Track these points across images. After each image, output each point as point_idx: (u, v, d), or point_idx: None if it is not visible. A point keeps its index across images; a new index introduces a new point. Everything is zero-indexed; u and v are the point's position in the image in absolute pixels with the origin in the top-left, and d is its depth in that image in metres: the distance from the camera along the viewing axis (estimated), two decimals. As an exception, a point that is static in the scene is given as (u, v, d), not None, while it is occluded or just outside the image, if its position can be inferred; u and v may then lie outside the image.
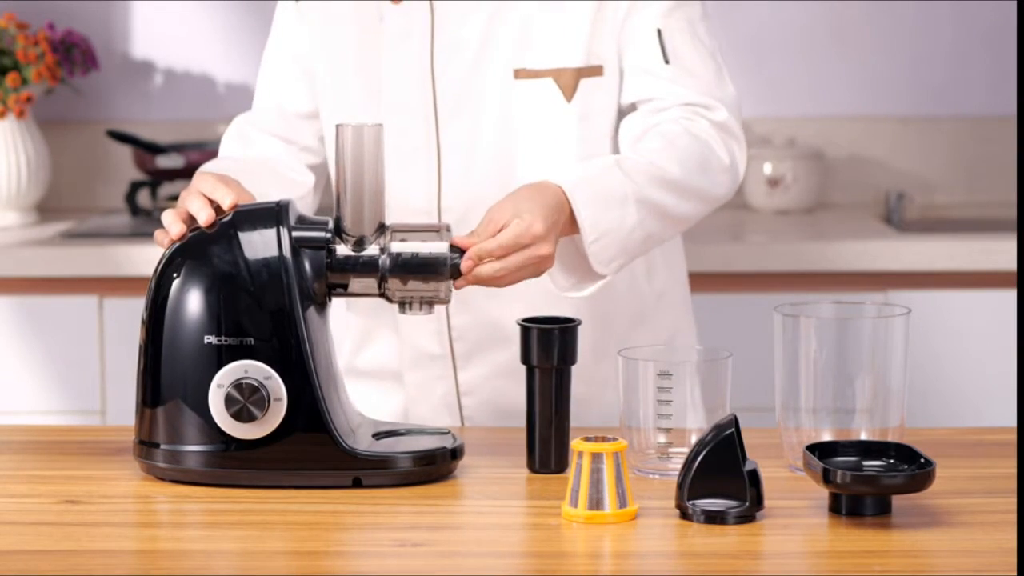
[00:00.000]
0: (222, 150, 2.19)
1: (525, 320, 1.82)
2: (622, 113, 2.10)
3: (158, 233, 1.83)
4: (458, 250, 1.80)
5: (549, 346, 1.80)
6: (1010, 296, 3.20)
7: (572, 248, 1.95)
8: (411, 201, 2.09)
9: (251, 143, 2.18)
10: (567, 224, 1.90)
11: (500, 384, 2.12)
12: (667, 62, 2.06)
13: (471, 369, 2.13)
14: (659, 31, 2.06)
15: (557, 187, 1.91)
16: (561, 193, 1.90)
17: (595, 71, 2.07)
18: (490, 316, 2.09)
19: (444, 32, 2.06)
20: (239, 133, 2.20)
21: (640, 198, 1.96)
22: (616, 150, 2.09)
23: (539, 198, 1.87)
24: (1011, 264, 3.18)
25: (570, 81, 2.06)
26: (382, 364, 2.18)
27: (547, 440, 1.81)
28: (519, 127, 2.07)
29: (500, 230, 1.82)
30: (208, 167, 2.02)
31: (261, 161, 2.15)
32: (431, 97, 2.07)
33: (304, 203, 2.14)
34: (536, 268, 1.85)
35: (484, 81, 2.06)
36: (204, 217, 1.79)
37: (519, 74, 2.06)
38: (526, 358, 1.81)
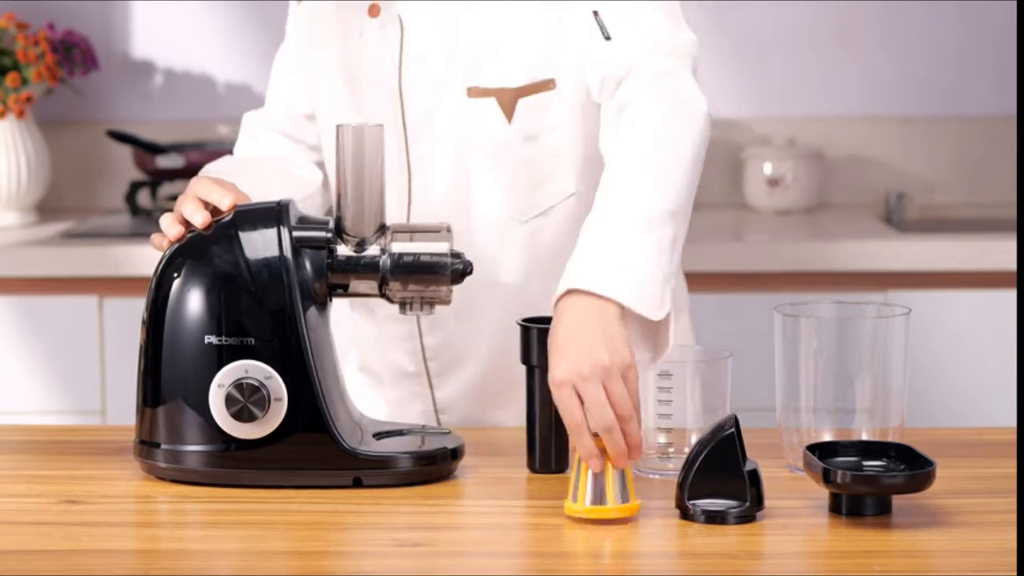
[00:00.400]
0: (236, 147, 2.20)
1: (525, 320, 1.82)
2: (600, 118, 2.00)
3: (155, 237, 1.83)
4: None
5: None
6: (1010, 296, 3.20)
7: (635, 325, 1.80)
8: (387, 218, 2.07)
9: (259, 141, 2.18)
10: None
11: (477, 402, 2.10)
12: (608, 39, 1.96)
13: (446, 387, 2.11)
14: (595, 12, 1.97)
15: (602, 299, 1.75)
16: (606, 303, 1.75)
17: (542, 86, 2.00)
18: (462, 336, 2.07)
19: (410, 48, 2.03)
20: (249, 131, 2.20)
21: (660, 239, 1.80)
22: (575, 167, 2.02)
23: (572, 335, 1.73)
24: (1011, 264, 3.18)
25: (510, 101, 2.00)
26: (369, 378, 2.18)
27: (547, 440, 1.81)
28: (472, 148, 2.02)
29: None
30: (209, 168, 2.02)
31: (267, 160, 2.14)
32: (400, 114, 2.05)
33: (313, 201, 2.13)
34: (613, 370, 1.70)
35: (443, 99, 2.02)
36: (199, 220, 1.79)
37: (471, 92, 2.01)
38: (526, 358, 1.81)
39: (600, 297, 1.72)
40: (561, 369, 1.67)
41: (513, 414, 2.06)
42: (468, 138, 2.02)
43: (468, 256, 1.84)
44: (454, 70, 2.01)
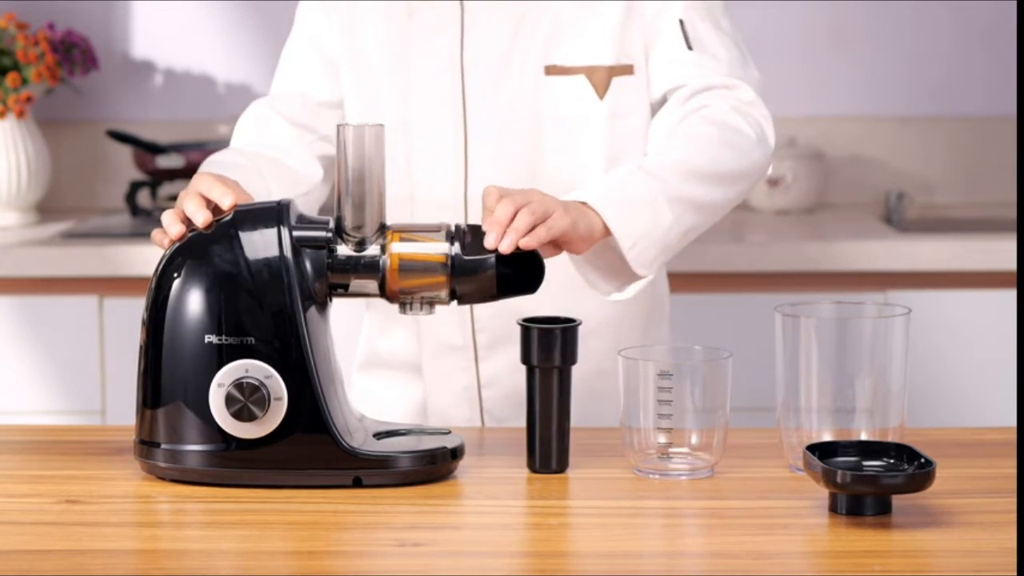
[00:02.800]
0: (236, 133, 2.18)
1: (525, 320, 1.82)
2: (654, 112, 2.11)
3: (156, 233, 1.83)
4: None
5: (550, 346, 1.80)
6: (1010, 296, 3.20)
7: (611, 252, 1.94)
8: (438, 192, 2.10)
9: (267, 129, 2.17)
10: (601, 233, 1.90)
11: (522, 376, 2.11)
12: (690, 48, 2.08)
13: (493, 360, 2.13)
14: (681, 21, 2.09)
15: (581, 203, 1.90)
16: (588, 208, 1.90)
17: (626, 70, 2.09)
18: (513, 307, 2.08)
19: (475, 26, 2.08)
20: (256, 116, 2.18)
21: (670, 196, 1.95)
22: (641, 150, 2.11)
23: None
24: (1011, 264, 3.18)
25: (603, 79, 2.08)
26: (400, 356, 2.18)
27: (548, 440, 1.81)
28: (548, 122, 2.09)
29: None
30: (210, 163, 2.02)
31: (266, 155, 2.15)
32: (460, 90, 2.09)
33: (309, 199, 2.14)
34: (544, 215, 1.82)
35: (513, 76, 2.08)
36: (201, 219, 1.79)
37: (550, 70, 2.08)
38: (526, 358, 1.81)
39: (598, 214, 1.89)
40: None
41: None
42: (542, 114, 2.08)
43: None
44: (526, 47, 2.07)
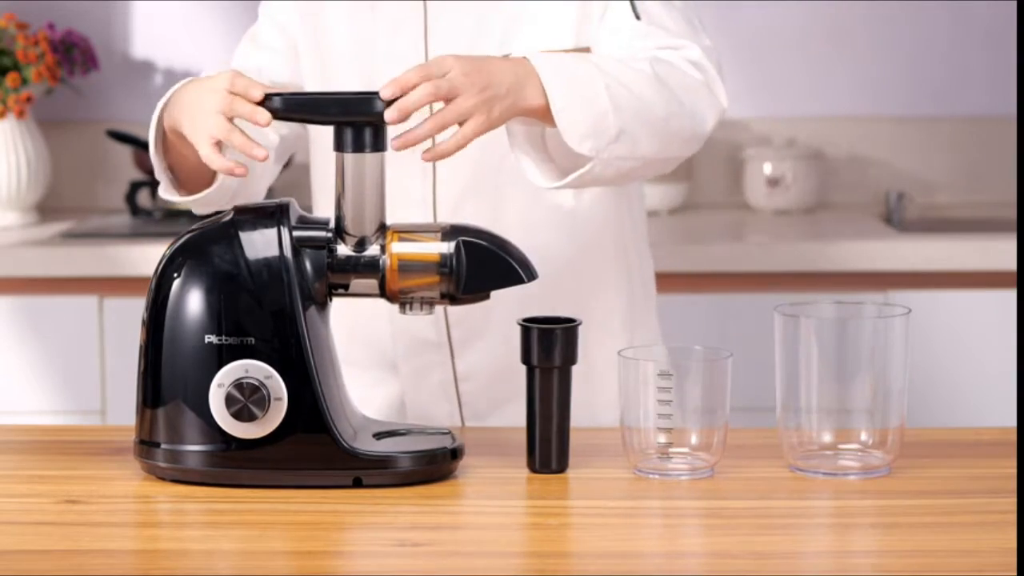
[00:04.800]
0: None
1: (526, 320, 1.82)
2: None
3: (216, 159, 1.80)
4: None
5: (550, 346, 1.80)
6: (1010, 296, 3.20)
7: (543, 136, 1.93)
8: (409, 192, 2.08)
9: None
10: (529, 105, 1.87)
11: (499, 369, 2.11)
12: (638, 18, 2.03)
13: (469, 355, 2.13)
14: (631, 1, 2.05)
15: (520, 57, 1.88)
16: (524, 60, 1.88)
17: (584, 51, 2.05)
18: (487, 302, 2.08)
19: (438, 21, 2.06)
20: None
21: (610, 83, 1.91)
22: None
23: (487, 58, 1.86)
24: (1011, 264, 3.18)
25: None
26: (375, 353, 2.17)
27: (548, 440, 1.81)
28: None
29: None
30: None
31: None
32: None
33: (264, 166, 2.10)
34: (449, 93, 1.80)
35: None
36: (260, 153, 1.78)
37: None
38: (527, 358, 1.81)
39: (534, 71, 1.86)
40: (460, 61, 1.80)
41: None
42: None
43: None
44: (487, 39, 2.05)
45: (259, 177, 2.10)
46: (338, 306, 2.19)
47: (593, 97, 1.90)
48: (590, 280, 2.14)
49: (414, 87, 1.78)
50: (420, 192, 2.09)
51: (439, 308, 2.10)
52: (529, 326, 1.81)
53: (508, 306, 2.03)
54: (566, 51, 2.01)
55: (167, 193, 2.03)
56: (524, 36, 2.05)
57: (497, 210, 2.08)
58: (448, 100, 1.81)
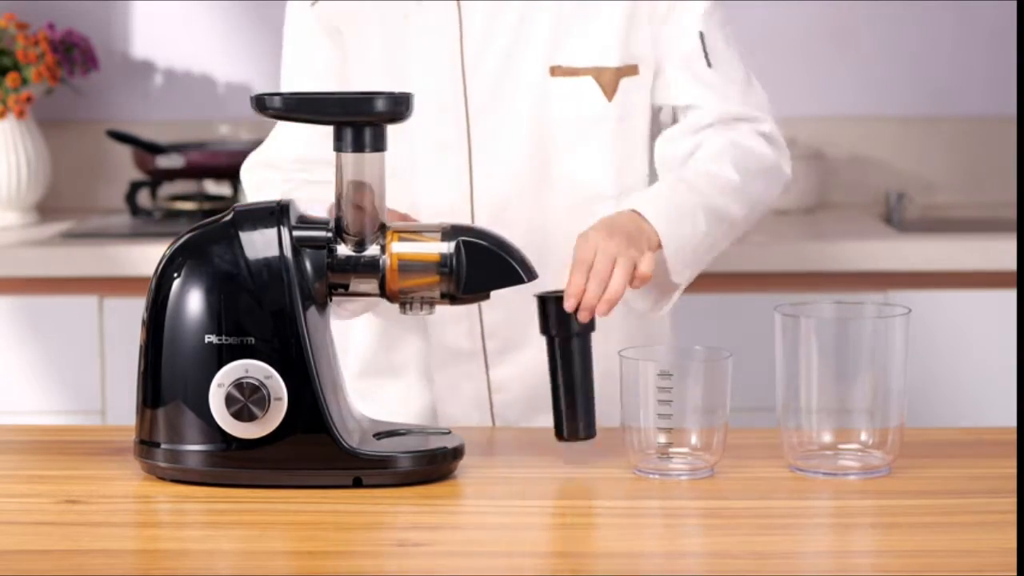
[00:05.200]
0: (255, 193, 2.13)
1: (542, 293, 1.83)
2: (654, 113, 2.11)
3: None
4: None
5: (567, 314, 1.80)
6: (1010, 296, 3.20)
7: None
8: (442, 196, 2.08)
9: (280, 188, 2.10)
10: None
11: (533, 380, 2.10)
12: (710, 65, 2.09)
13: (503, 366, 2.12)
14: (701, 33, 2.09)
15: (631, 211, 1.96)
16: (635, 214, 1.95)
17: (632, 71, 2.08)
18: (523, 312, 2.08)
19: (473, 26, 2.06)
20: (261, 183, 2.13)
21: (707, 207, 2.02)
22: (650, 151, 2.12)
23: (607, 220, 1.92)
24: (1011, 264, 3.18)
25: (611, 80, 2.07)
26: (408, 363, 2.17)
27: (573, 407, 1.81)
28: (555, 125, 2.08)
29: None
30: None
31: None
32: (462, 92, 2.07)
33: None
34: (626, 258, 1.86)
35: (517, 77, 2.07)
36: None
37: (555, 71, 2.07)
38: (545, 328, 1.82)
39: (644, 219, 1.95)
40: (593, 232, 1.88)
41: None
42: (548, 115, 2.07)
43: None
44: (527, 48, 2.06)
45: None
46: (369, 317, 2.19)
47: (692, 231, 2.00)
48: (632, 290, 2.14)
49: (584, 287, 1.83)
50: (460, 201, 2.08)
51: (474, 319, 2.10)
52: (545, 296, 1.82)
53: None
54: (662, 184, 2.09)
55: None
56: (570, 46, 2.06)
57: (544, 219, 2.08)
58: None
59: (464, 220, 2.07)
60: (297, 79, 2.15)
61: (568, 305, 1.81)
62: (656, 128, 2.14)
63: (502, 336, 2.11)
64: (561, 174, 2.07)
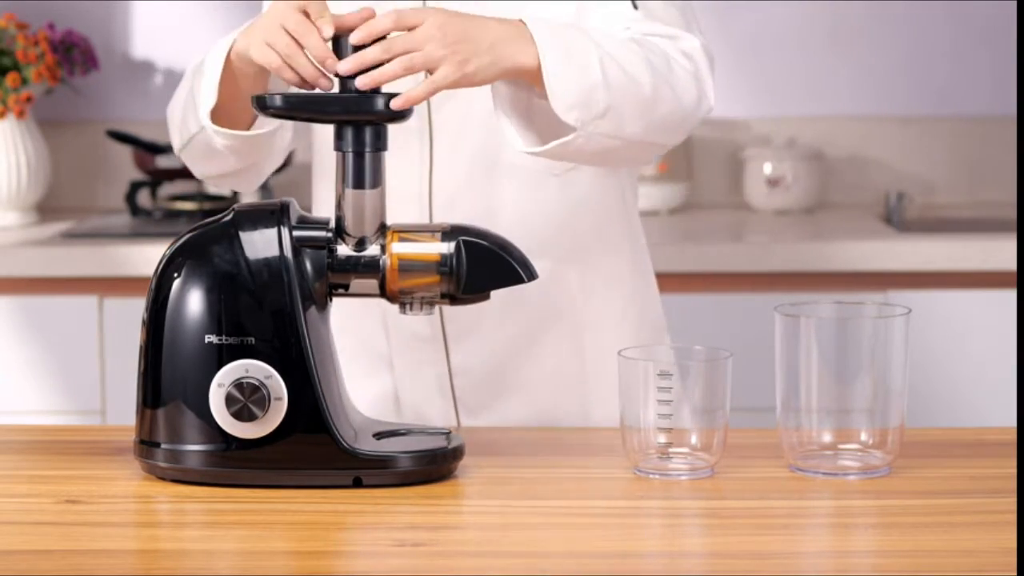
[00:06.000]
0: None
1: None
2: None
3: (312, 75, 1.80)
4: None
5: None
6: (1010, 296, 3.20)
7: (529, 101, 1.91)
8: (405, 186, 2.07)
9: None
10: (519, 67, 1.86)
11: (493, 364, 2.11)
12: (635, 7, 2.02)
13: (463, 350, 2.12)
14: None
15: (516, 19, 1.87)
16: (519, 22, 1.87)
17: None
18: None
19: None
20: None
21: (604, 57, 1.89)
22: None
23: (471, 14, 1.85)
24: (1011, 264, 3.18)
25: None
26: (368, 348, 2.17)
27: None
28: None
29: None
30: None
31: None
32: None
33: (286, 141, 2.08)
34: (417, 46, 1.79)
35: None
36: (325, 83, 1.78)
37: None
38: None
39: (526, 33, 1.84)
40: (439, 12, 1.80)
41: (532, 371, 2.10)
42: None
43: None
44: None
45: (281, 151, 2.08)
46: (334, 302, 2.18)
47: (586, 67, 1.87)
48: (587, 274, 2.13)
49: (383, 32, 1.77)
50: (416, 187, 2.09)
51: None
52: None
53: (502, 301, 2.03)
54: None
55: (207, 119, 1.97)
56: None
57: (492, 205, 2.08)
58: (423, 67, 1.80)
59: (423, 208, 2.07)
60: None
61: (350, 74, 1.75)
62: None
63: (461, 320, 2.11)
64: (511, 158, 2.05)
